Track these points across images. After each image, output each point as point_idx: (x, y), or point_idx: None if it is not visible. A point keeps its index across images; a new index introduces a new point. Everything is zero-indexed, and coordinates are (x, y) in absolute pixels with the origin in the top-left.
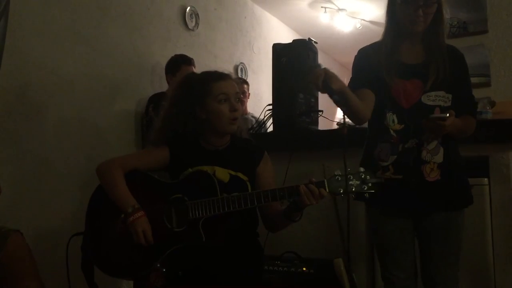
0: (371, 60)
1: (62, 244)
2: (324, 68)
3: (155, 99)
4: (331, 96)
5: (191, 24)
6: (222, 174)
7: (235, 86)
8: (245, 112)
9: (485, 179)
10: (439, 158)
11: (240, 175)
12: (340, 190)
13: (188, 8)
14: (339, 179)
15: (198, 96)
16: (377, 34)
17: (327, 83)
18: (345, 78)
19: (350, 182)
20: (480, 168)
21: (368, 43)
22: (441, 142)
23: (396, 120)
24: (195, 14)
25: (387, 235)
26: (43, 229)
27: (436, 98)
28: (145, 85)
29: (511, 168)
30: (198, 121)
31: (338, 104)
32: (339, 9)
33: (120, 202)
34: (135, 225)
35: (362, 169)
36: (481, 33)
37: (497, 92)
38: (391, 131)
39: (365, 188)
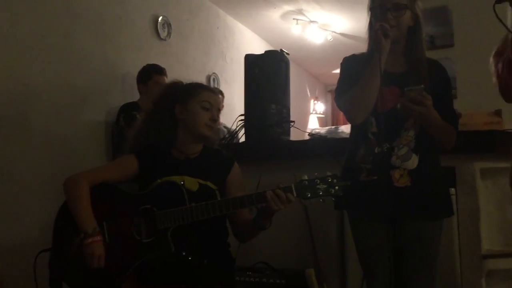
0: (355, 67)
1: (29, 260)
2: None
3: (126, 109)
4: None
5: (163, 34)
6: (191, 183)
7: (221, 102)
8: (219, 120)
9: (452, 189)
10: (411, 164)
11: (210, 184)
12: (308, 195)
13: (160, 17)
14: (307, 183)
15: (182, 96)
16: (348, 46)
17: None
18: (316, 89)
19: (318, 186)
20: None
21: (339, 55)
22: (413, 148)
23: (374, 123)
24: (167, 24)
25: (364, 241)
26: (9, 245)
27: None
28: (115, 94)
29: (477, 178)
30: (174, 123)
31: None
32: (311, 21)
33: (81, 221)
34: (93, 247)
35: (329, 173)
36: (448, 46)
37: (463, 104)
38: (369, 134)
39: (332, 192)
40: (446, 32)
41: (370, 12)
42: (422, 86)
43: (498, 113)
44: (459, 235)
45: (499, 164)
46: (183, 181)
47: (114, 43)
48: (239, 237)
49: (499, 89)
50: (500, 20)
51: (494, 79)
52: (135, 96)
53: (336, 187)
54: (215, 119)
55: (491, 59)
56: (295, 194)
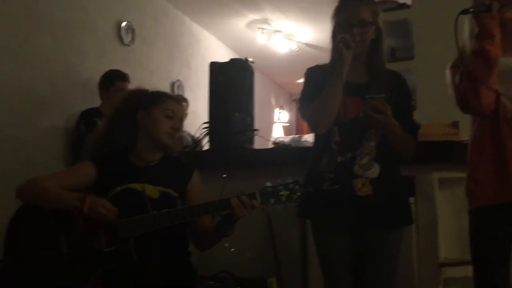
0: (319, 77)
1: None
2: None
3: (87, 115)
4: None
5: (126, 39)
6: (152, 191)
7: (184, 112)
8: (181, 130)
9: (412, 198)
10: (373, 173)
11: (171, 191)
12: (271, 201)
13: (124, 23)
14: (270, 190)
15: (146, 102)
16: (312, 56)
17: None
18: (281, 98)
19: (280, 193)
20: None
21: (304, 65)
22: (374, 157)
23: (337, 133)
24: (131, 29)
25: (326, 249)
26: None
27: None
28: (76, 100)
29: (435, 188)
30: (135, 128)
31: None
32: (276, 31)
33: (63, 203)
34: (94, 209)
35: (291, 180)
36: (408, 59)
37: (423, 115)
38: (332, 143)
39: (294, 198)
40: (406, 44)
41: (334, 25)
42: (383, 95)
43: (455, 124)
44: (418, 244)
45: (456, 174)
46: (144, 189)
47: (76, 48)
48: (199, 245)
49: (456, 100)
50: (455, 33)
51: (450, 91)
52: (96, 102)
53: (298, 193)
54: (176, 128)
55: (448, 71)
56: (259, 200)
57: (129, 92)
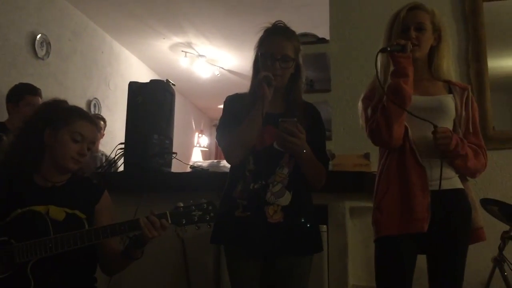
0: (237, 106)
1: None
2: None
3: None
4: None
5: (41, 53)
6: (57, 212)
7: (96, 134)
8: (96, 150)
9: (324, 226)
10: (285, 201)
11: (78, 212)
12: (183, 221)
13: (39, 35)
14: (182, 210)
15: (55, 120)
16: (234, 82)
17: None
18: (202, 122)
19: (193, 213)
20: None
21: (226, 90)
22: (286, 185)
23: (251, 161)
24: (46, 43)
25: (238, 275)
26: None
27: None
28: None
29: (346, 216)
30: (41, 147)
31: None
32: (199, 55)
33: None
34: None
35: (204, 200)
36: (325, 91)
37: (337, 145)
38: (246, 171)
39: (207, 218)
40: (324, 77)
41: (258, 54)
42: (295, 119)
43: (367, 156)
44: (328, 270)
45: (366, 203)
46: (48, 210)
47: None
48: (106, 270)
49: (367, 133)
50: (376, 69)
51: (361, 122)
52: (3, 116)
53: (212, 214)
54: (83, 153)
55: (360, 103)
56: (169, 221)
57: (41, 105)
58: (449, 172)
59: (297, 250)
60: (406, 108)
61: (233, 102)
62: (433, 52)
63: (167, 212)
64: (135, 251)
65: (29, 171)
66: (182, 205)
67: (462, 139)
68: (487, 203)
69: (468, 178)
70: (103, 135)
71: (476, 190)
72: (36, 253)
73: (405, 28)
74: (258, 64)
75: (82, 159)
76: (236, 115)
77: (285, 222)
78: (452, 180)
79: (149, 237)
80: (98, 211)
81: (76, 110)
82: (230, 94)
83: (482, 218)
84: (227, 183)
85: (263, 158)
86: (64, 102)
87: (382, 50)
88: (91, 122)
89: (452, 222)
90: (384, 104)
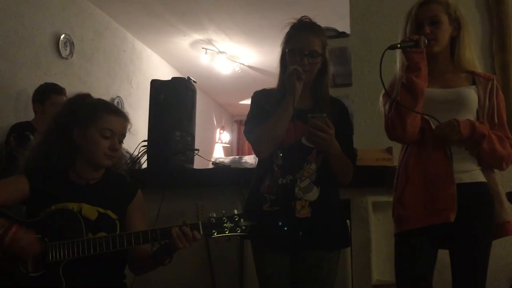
0: (265, 102)
1: None
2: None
3: (18, 129)
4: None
5: (64, 53)
6: (90, 211)
7: (124, 126)
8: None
9: (347, 221)
10: (312, 196)
11: (110, 213)
12: (214, 233)
13: (63, 35)
14: (214, 221)
15: (81, 119)
16: (255, 78)
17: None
18: (223, 118)
19: (225, 225)
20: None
21: (246, 87)
22: (314, 181)
23: (280, 156)
24: (69, 43)
25: (266, 269)
26: None
27: None
28: (7, 113)
29: (369, 211)
30: (72, 146)
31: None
32: (220, 52)
33: None
34: (16, 242)
35: (236, 212)
36: (347, 85)
37: (358, 140)
38: (275, 166)
39: (239, 231)
40: (345, 71)
41: (285, 50)
42: (325, 114)
43: (389, 150)
44: (352, 265)
45: (389, 198)
46: (81, 209)
47: (9, 59)
48: (135, 269)
49: (384, 128)
50: (380, 66)
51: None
52: (29, 115)
53: (243, 227)
54: (115, 148)
55: (381, 99)
56: (201, 232)
57: (65, 104)
58: (470, 165)
59: (325, 244)
60: (419, 102)
61: (261, 97)
62: (455, 42)
63: (200, 223)
64: (164, 257)
65: (64, 168)
66: (214, 215)
67: (482, 121)
68: None
69: (495, 170)
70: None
71: (503, 182)
72: (69, 254)
73: (419, 25)
74: (285, 61)
75: (115, 153)
76: (264, 110)
77: (313, 217)
78: (473, 173)
79: (179, 247)
80: (130, 211)
81: (100, 104)
82: (251, 90)
83: (510, 211)
84: (254, 178)
85: (291, 153)
86: (87, 97)
87: (392, 47)
88: (117, 114)
89: (472, 216)
90: (397, 100)
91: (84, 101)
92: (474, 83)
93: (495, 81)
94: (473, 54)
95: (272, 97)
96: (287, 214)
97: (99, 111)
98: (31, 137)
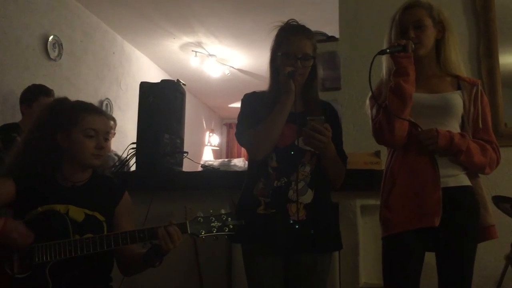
0: (256, 104)
1: None
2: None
3: (5, 130)
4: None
5: (53, 54)
6: (76, 213)
7: (107, 124)
8: (108, 150)
9: None
10: (307, 199)
11: (97, 214)
12: (202, 232)
13: (51, 37)
14: (201, 220)
15: (63, 123)
16: (244, 81)
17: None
18: (212, 121)
19: (212, 224)
20: None
21: (236, 89)
22: (308, 183)
23: (274, 158)
24: (58, 44)
25: (258, 273)
26: None
27: None
28: None
29: (358, 214)
30: (58, 150)
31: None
32: (209, 55)
33: None
34: (6, 232)
35: (223, 211)
36: (335, 89)
37: (347, 144)
38: (269, 168)
39: (226, 230)
40: (334, 75)
41: (277, 56)
42: (323, 117)
43: (377, 154)
44: (340, 268)
45: (377, 201)
46: (68, 210)
47: None
48: (124, 270)
49: (372, 132)
50: (370, 71)
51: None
52: (16, 117)
53: (230, 226)
54: (101, 146)
55: (367, 102)
56: (189, 231)
57: (45, 109)
58: (456, 169)
59: (320, 247)
60: (407, 106)
61: (252, 100)
62: (440, 45)
63: (187, 222)
64: (154, 259)
65: (51, 170)
66: (202, 215)
67: (464, 134)
68: (498, 200)
69: (480, 174)
70: (114, 134)
71: (488, 187)
72: (55, 255)
73: (403, 29)
74: (275, 65)
75: (103, 152)
76: (254, 112)
77: (308, 220)
78: (458, 177)
79: (165, 249)
80: (118, 213)
81: (80, 105)
82: (240, 93)
83: (494, 215)
84: (245, 181)
85: (285, 156)
86: (65, 100)
87: (381, 52)
88: (98, 113)
89: (457, 220)
90: (385, 104)
91: (63, 105)
92: (459, 87)
93: (479, 86)
94: (458, 56)
95: (264, 100)
96: (282, 217)
97: (80, 112)
98: (18, 138)
